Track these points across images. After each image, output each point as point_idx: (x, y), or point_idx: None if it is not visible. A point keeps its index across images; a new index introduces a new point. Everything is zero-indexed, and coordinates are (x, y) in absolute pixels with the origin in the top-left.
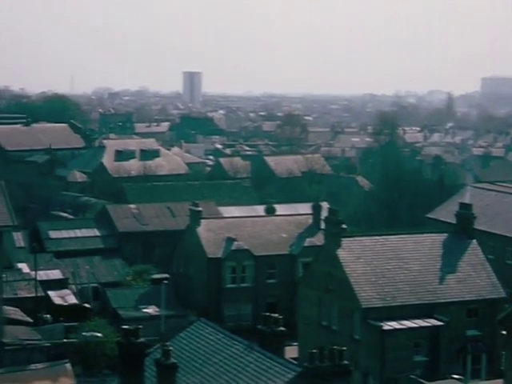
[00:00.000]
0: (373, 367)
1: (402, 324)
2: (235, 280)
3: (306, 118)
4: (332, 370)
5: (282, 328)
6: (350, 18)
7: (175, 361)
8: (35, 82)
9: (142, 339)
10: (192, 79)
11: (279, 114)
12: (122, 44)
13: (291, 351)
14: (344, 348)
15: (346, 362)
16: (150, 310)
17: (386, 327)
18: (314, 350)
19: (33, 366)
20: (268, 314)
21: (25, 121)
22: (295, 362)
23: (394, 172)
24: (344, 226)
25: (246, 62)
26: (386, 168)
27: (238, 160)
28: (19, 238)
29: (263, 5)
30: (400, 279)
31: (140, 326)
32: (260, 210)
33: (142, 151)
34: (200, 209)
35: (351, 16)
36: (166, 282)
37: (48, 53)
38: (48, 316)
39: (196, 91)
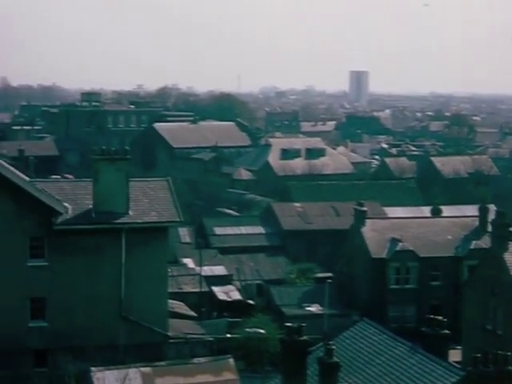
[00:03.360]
0: None
1: None
2: (399, 281)
3: (474, 118)
4: (497, 374)
5: (446, 331)
6: None
7: (338, 360)
8: (203, 81)
9: (305, 337)
10: (359, 78)
11: (447, 114)
12: (288, 44)
13: (455, 355)
14: (509, 353)
15: (511, 367)
16: (313, 308)
17: None
18: (478, 354)
19: (196, 360)
20: (432, 316)
21: (192, 118)
22: (459, 366)
23: None
24: None
25: (411, 61)
26: None
27: (403, 160)
28: (185, 234)
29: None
30: None
31: (303, 324)
32: (425, 211)
33: (308, 150)
34: (365, 209)
35: None
36: (329, 280)
37: (216, 52)
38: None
39: (362, 90)
